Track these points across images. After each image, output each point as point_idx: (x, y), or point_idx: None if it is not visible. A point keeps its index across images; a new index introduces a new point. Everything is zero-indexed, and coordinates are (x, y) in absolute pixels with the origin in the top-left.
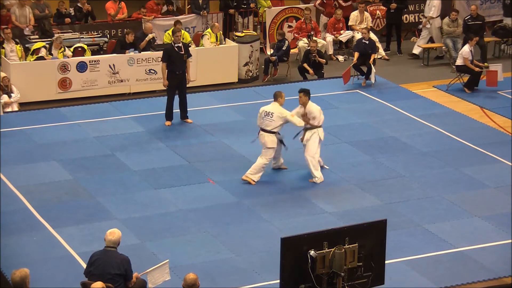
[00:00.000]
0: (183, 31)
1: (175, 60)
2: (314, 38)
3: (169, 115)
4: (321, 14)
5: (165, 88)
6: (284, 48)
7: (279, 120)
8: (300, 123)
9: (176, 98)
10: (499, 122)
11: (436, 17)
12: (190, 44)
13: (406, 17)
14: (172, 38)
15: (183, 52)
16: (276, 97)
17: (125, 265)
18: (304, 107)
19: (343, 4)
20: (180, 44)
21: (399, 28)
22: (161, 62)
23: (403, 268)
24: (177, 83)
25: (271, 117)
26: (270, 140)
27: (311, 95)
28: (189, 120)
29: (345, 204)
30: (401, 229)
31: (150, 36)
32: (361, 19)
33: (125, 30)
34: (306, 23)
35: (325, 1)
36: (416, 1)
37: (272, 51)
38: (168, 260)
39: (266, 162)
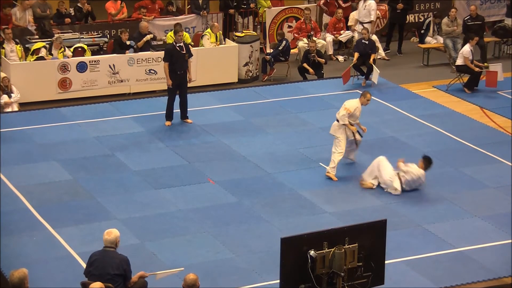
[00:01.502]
0: (184, 33)
1: (177, 60)
2: (313, 38)
3: (169, 115)
4: (324, 14)
5: (166, 88)
6: (280, 48)
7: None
8: (342, 121)
9: (177, 98)
10: (499, 122)
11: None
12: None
13: (406, 17)
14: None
15: (184, 52)
16: (360, 94)
17: (124, 265)
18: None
19: (343, 5)
20: (182, 44)
21: (402, 28)
22: (163, 62)
23: (403, 268)
24: (178, 82)
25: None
26: (334, 130)
27: (311, 95)
28: (189, 120)
29: (345, 204)
30: (401, 229)
31: (148, 37)
32: None
33: (121, 29)
34: (306, 23)
35: (328, 1)
36: (418, 1)
37: (272, 51)
38: (183, 268)
39: (336, 153)
